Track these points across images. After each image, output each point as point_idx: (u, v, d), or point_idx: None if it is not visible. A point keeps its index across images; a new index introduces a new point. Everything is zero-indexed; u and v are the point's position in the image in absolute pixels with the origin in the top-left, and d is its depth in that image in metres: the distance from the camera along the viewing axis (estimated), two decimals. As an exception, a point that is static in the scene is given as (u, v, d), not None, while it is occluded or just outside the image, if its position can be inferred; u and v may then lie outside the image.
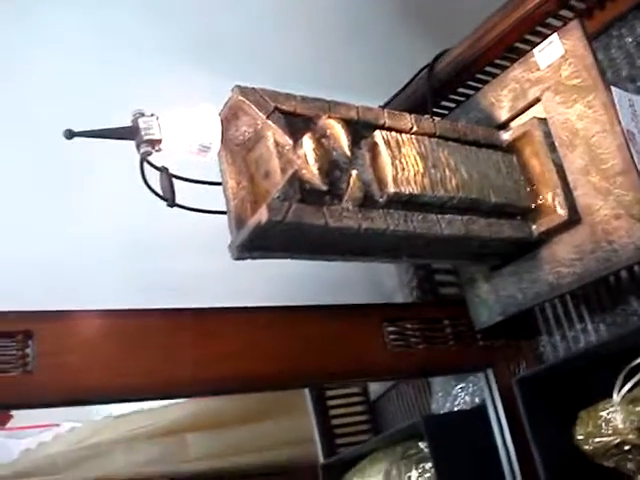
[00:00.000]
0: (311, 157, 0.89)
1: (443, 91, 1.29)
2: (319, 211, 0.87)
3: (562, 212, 1.05)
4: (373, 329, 1.15)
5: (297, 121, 0.94)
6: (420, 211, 0.97)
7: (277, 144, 0.90)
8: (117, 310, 0.98)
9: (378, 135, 0.97)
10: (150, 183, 0.85)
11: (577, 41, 1.06)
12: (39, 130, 1.12)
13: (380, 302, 1.23)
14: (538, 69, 1.11)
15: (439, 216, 0.98)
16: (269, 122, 0.90)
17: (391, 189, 0.94)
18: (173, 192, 0.86)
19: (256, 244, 0.89)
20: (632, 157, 0.99)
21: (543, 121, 1.10)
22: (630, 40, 1.17)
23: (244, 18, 1.32)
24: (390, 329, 1.16)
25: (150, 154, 0.81)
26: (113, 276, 1.12)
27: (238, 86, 0.89)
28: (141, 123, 0.80)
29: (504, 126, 1.16)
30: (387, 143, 0.97)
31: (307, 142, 0.90)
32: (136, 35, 1.24)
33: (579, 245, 1.04)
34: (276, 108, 0.91)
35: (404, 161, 0.97)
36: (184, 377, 0.98)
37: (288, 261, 1.02)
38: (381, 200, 0.95)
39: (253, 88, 0.90)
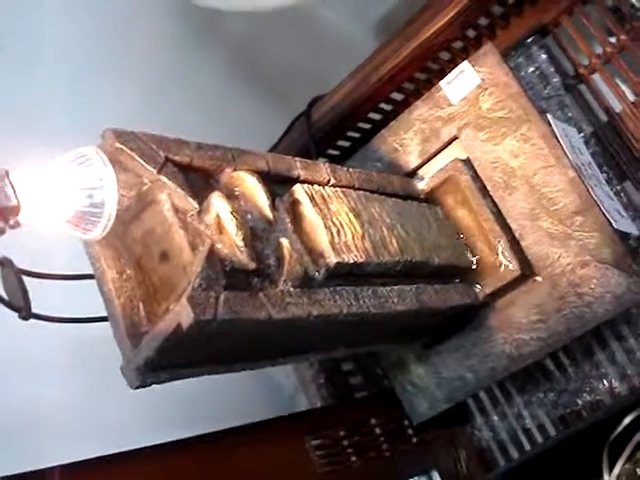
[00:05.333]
0: (231, 224, 0.62)
1: (326, 140, 1.08)
2: (256, 299, 0.60)
3: (512, 267, 0.86)
4: (294, 448, 0.87)
5: (193, 177, 0.67)
6: (366, 284, 0.73)
7: (177, 210, 0.62)
8: None
9: (299, 190, 0.72)
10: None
11: (495, 67, 0.91)
12: None
13: (289, 412, 0.95)
14: (450, 104, 0.94)
15: (387, 289, 0.75)
16: (163, 179, 0.62)
17: (332, 259, 0.69)
18: (27, 297, 0.54)
19: (166, 360, 0.59)
20: (589, 192, 0.84)
21: (467, 163, 0.92)
22: (531, 70, 1.04)
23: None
24: (315, 443, 0.89)
25: (2, 233, 0.49)
26: None
27: (112, 130, 0.60)
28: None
29: (414, 173, 0.98)
30: (312, 199, 0.72)
31: (219, 203, 0.63)
32: None
33: (539, 304, 0.86)
34: (167, 159, 0.63)
35: (337, 221, 0.73)
36: None
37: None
38: (318, 275, 0.69)
39: (132, 132, 0.62)
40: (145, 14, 1.25)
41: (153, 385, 0.60)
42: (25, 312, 0.54)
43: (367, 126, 1.11)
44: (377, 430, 0.97)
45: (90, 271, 0.62)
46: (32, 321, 0.66)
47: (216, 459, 0.79)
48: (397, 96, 1.08)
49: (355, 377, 1.10)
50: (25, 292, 0.54)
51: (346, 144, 1.12)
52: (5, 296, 0.54)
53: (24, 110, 0.93)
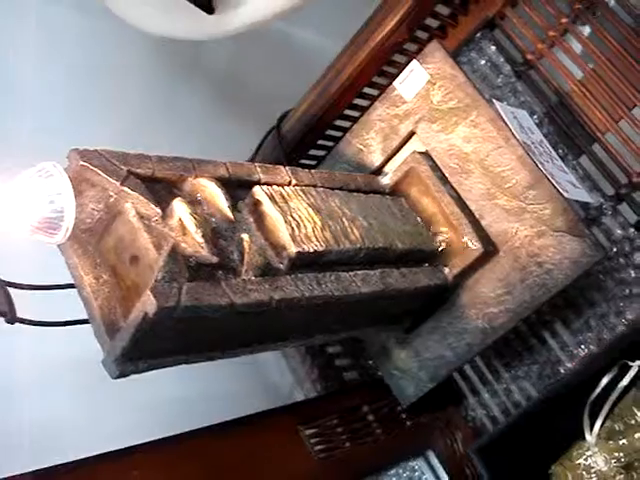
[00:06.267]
0: (190, 223, 0.68)
1: (298, 150, 1.14)
2: (218, 287, 0.66)
3: (474, 246, 0.91)
4: (289, 438, 0.92)
5: (157, 188, 0.73)
6: (329, 271, 0.79)
7: (141, 217, 0.69)
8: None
9: (259, 191, 0.78)
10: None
11: (441, 62, 0.97)
12: None
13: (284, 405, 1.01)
14: (404, 102, 1.00)
15: (351, 274, 0.81)
16: (126, 189, 0.68)
17: (293, 249, 0.75)
18: (11, 303, 0.61)
19: (141, 350, 0.65)
20: (538, 167, 0.89)
21: (425, 154, 0.98)
22: (483, 62, 1.10)
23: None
24: (309, 432, 0.94)
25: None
26: None
27: (76, 150, 0.67)
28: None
29: (380, 171, 1.03)
30: (272, 198, 0.78)
31: (180, 206, 0.69)
32: None
33: (504, 278, 0.91)
34: (130, 172, 0.70)
35: (297, 216, 0.79)
36: None
37: (155, 386, 0.78)
38: (282, 266, 0.75)
39: (96, 150, 0.69)
40: (128, 45, 1.33)
41: (133, 375, 0.65)
42: (10, 316, 0.60)
43: (338, 134, 1.17)
44: (370, 416, 1.02)
45: (65, 281, 0.69)
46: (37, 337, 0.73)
47: (210, 452, 0.84)
48: (362, 102, 1.15)
49: (349, 372, 1.15)
50: (9, 298, 0.61)
51: (319, 153, 1.18)
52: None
53: (12, 145, 1.00)
